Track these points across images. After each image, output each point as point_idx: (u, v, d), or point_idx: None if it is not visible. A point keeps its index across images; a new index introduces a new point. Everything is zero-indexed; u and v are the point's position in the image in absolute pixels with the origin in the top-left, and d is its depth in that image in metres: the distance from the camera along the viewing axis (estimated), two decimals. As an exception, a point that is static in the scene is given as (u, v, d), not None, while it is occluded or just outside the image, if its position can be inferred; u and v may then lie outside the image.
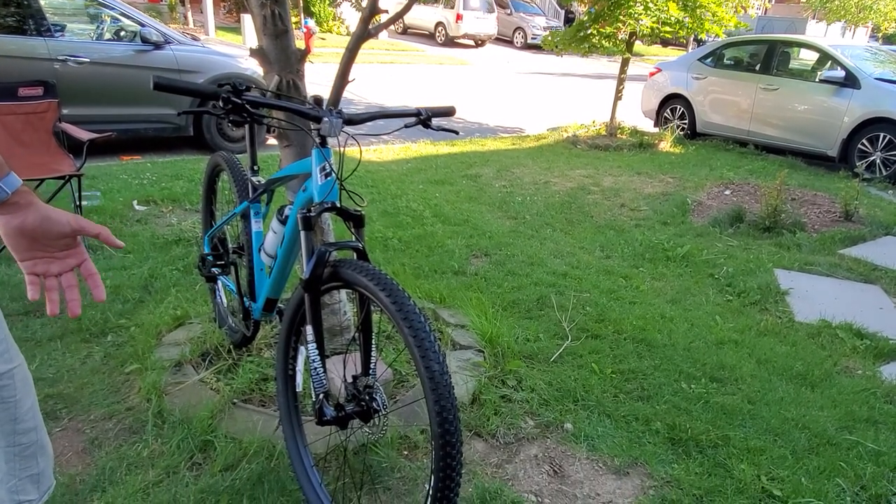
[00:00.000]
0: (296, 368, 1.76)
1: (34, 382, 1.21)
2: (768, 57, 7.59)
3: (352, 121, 1.60)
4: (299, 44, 2.18)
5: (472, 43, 21.04)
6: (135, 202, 4.21)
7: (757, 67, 7.70)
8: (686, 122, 8.37)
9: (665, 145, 7.75)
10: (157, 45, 5.51)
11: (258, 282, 2.07)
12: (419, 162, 6.18)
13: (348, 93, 8.95)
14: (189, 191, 4.53)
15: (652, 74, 8.95)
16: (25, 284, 1.01)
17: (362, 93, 10.34)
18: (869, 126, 6.57)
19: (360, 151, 1.64)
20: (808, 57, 7.82)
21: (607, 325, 2.98)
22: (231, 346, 2.39)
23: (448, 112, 1.83)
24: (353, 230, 1.58)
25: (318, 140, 1.57)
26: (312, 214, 1.55)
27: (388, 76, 13.07)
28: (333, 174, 1.59)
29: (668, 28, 7.32)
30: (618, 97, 7.92)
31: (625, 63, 7.88)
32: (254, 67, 5.90)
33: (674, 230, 4.60)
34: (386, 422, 1.56)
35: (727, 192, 5.69)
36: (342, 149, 1.59)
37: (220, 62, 5.95)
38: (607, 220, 4.77)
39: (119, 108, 5.46)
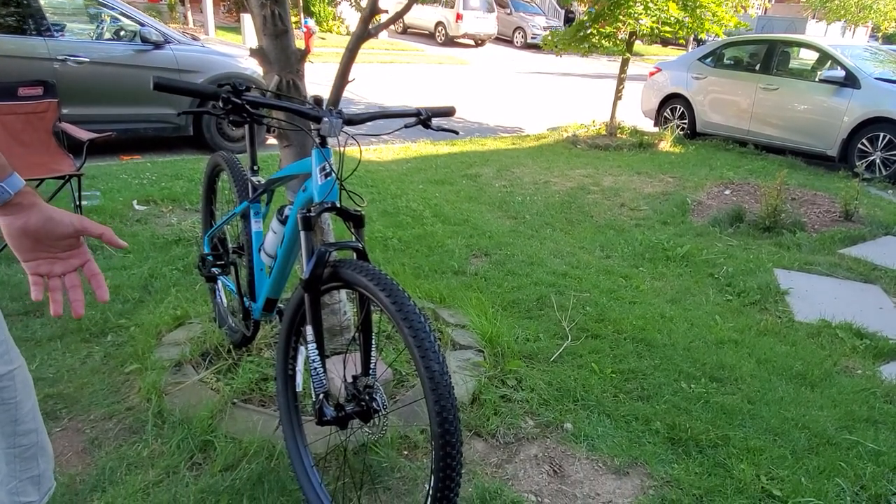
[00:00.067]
0: (296, 368, 1.76)
1: (34, 382, 1.21)
2: (768, 57, 7.59)
3: (352, 121, 1.60)
4: (299, 44, 2.18)
5: (471, 43, 21.04)
6: (135, 202, 4.21)
7: (757, 67, 7.70)
8: (686, 121, 8.37)
9: (665, 145, 7.75)
10: (157, 45, 5.51)
11: (258, 282, 2.07)
12: (419, 162, 6.18)
13: (348, 92, 8.95)
14: (189, 191, 4.53)
15: (652, 74, 8.95)
16: (29, 285, 1.01)
17: (362, 93, 10.34)
18: (869, 126, 6.57)
19: (360, 151, 1.64)
20: (807, 57, 7.82)
21: (607, 324, 2.98)
22: (231, 346, 2.39)
23: (448, 112, 1.83)
24: (352, 230, 1.58)
25: (317, 140, 1.57)
26: (312, 214, 1.55)
27: (388, 76, 13.07)
28: (333, 174, 1.59)
29: (668, 28, 7.32)
30: (618, 97, 7.92)
31: (625, 63, 7.88)
32: (254, 67, 5.90)
33: (674, 230, 4.60)
34: (386, 422, 1.56)
35: (727, 192, 5.69)
36: (342, 149, 1.59)
37: (220, 62, 5.95)
38: (607, 220, 4.77)
39: (119, 108, 5.46)
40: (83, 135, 3.54)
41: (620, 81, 7.89)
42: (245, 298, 2.13)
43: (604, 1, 7.21)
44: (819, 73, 7.27)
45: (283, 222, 1.84)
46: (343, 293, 2.41)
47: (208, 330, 2.51)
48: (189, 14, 16.92)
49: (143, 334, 2.49)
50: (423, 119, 1.73)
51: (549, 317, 3.03)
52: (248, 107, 1.50)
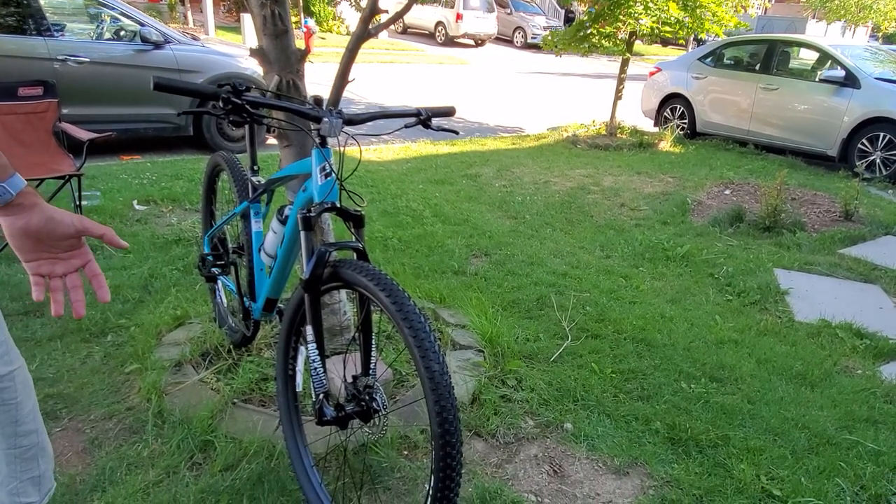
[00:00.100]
0: (296, 368, 1.76)
1: (34, 382, 1.21)
2: (768, 57, 7.59)
3: (352, 121, 1.60)
4: (299, 43, 2.18)
5: (471, 42, 21.04)
6: (135, 202, 4.21)
7: (757, 67, 7.70)
8: (686, 121, 8.37)
9: (665, 145, 7.75)
10: (157, 45, 5.51)
11: (258, 282, 2.07)
12: (419, 162, 6.18)
13: (348, 92, 8.95)
14: (189, 190, 4.53)
15: (652, 74, 8.95)
16: (31, 285, 1.01)
17: (362, 92, 10.34)
18: (869, 126, 6.57)
19: (360, 151, 1.64)
20: (807, 56, 7.82)
21: (607, 324, 2.98)
22: (231, 346, 2.39)
23: (448, 112, 1.83)
24: (352, 230, 1.58)
25: (317, 140, 1.57)
26: (312, 214, 1.55)
27: (388, 76, 13.07)
28: (333, 174, 1.59)
29: (668, 28, 7.32)
30: (618, 97, 7.92)
31: (625, 63, 7.88)
32: (254, 67, 5.90)
33: (674, 230, 4.60)
34: (386, 422, 1.56)
35: (727, 192, 5.69)
36: (342, 149, 1.59)
37: (220, 62, 5.95)
38: (607, 220, 4.77)
39: (119, 108, 5.46)
40: (83, 135, 3.54)
41: (620, 81, 7.89)
42: (245, 298, 2.13)
43: (604, 1, 7.21)
44: (819, 73, 7.27)
45: (283, 222, 1.84)
46: (343, 293, 2.42)
47: (208, 330, 2.51)
48: (189, 14, 16.93)
49: (143, 334, 2.49)
50: (423, 119, 1.73)
51: (549, 317, 3.03)
52: (248, 107, 1.50)
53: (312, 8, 17.87)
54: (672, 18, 7.08)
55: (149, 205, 4.22)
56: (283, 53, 2.08)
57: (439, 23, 20.67)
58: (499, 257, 3.79)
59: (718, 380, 2.57)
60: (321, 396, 1.51)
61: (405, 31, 21.57)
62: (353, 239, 1.57)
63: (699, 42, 15.73)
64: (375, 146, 6.65)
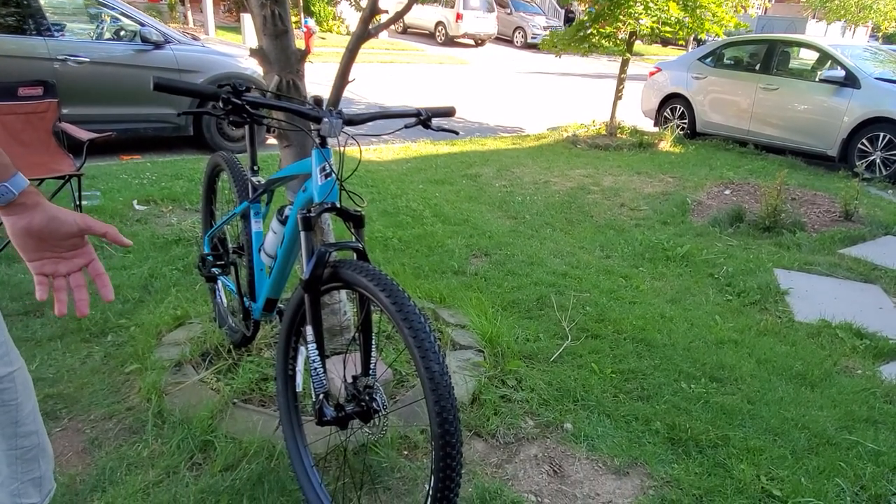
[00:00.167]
0: (296, 368, 1.76)
1: (34, 383, 1.21)
2: (768, 57, 7.59)
3: (352, 121, 1.60)
4: (299, 43, 2.18)
5: (471, 42, 21.04)
6: (135, 202, 4.21)
7: (757, 67, 7.70)
8: (686, 121, 8.37)
9: (665, 145, 7.75)
10: (157, 45, 5.51)
11: (258, 282, 2.07)
12: (419, 162, 6.18)
13: (348, 92, 8.95)
14: (189, 190, 4.53)
15: (652, 74, 8.95)
16: (34, 285, 1.01)
17: (362, 92, 10.34)
18: (869, 126, 6.57)
19: (360, 151, 1.64)
20: (807, 57, 7.83)
21: (607, 324, 2.98)
22: (231, 346, 2.39)
23: (448, 112, 1.83)
24: (352, 230, 1.58)
25: (317, 140, 1.57)
26: (312, 215, 1.55)
27: (388, 76, 13.07)
28: (333, 174, 1.59)
29: (668, 28, 7.32)
30: (618, 97, 7.92)
31: (625, 63, 7.88)
32: (254, 67, 5.90)
33: (674, 230, 4.61)
34: (386, 422, 1.56)
35: (727, 192, 5.69)
36: (342, 149, 1.59)
37: (220, 62, 5.95)
38: (607, 220, 4.77)
39: (119, 108, 5.46)
40: (83, 135, 3.54)
41: (620, 81, 7.89)
42: (245, 298, 2.13)
43: (604, 1, 7.21)
44: (819, 73, 7.27)
45: (283, 222, 1.84)
46: (343, 293, 2.41)
47: (208, 330, 2.51)
48: (189, 14, 16.93)
49: (143, 334, 2.49)
50: (424, 119, 1.73)
51: (549, 317, 3.03)
52: (248, 107, 1.50)
53: (312, 8, 17.87)
54: (672, 18, 7.08)
55: (149, 205, 4.22)
56: (283, 53, 2.08)
57: (439, 23, 20.67)
58: (499, 257, 3.79)
59: (718, 380, 2.57)
60: (321, 396, 1.51)
61: (405, 31, 21.57)
62: (353, 239, 1.57)
63: (699, 42, 15.73)
64: (375, 146, 6.65)
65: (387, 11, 2.35)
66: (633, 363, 2.65)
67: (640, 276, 3.69)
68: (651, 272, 3.78)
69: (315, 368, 1.51)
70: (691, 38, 16.66)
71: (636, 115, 9.22)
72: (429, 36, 21.13)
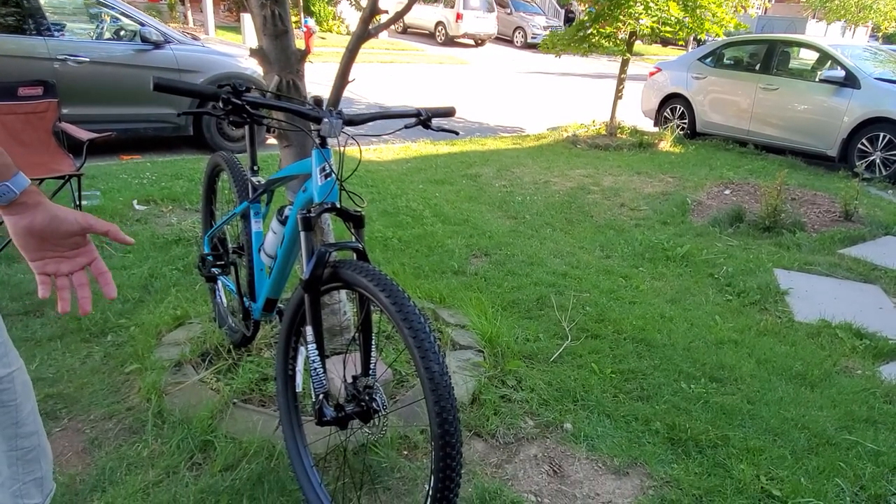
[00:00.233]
0: (296, 368, 1.76)
1: (34, 382, 1.21)
2: (768, 57, 7.59)
3: (352, 121, 1.60)
4: (299, 44, 2.18)
5: (471, 42, 21.04)
6: (135, 202, 4.21)
7: (757, 67, 7.70)
8: (686, 121, 8.37)
9: (665, 145, 7.75)
10: (157, 45, 5.51)
11: (258, 282, 2.07)
12: (419, 162, 6.18)
13: (348, 92, 8.94)
14: (189, 190, 4.53)
15: (652, 74, 8.95)
16: (36, 284, 1.01)
17: (362, 92, 10.34)
18: (869, 126, 6.57)
19: (360, 151, 1.64)
20: (807, 57, 7.83)
21: (607, 325, 2.98)
22: (231, 346, 2.39)
23: (448, 113, 1.84)
24: (352, 231, 1.58)
25: (317, 141, 1.57)
26: (312, 215, 1.55)
27: (388, 76, 13.07)
28: (333, 175, 1.59)
29: (668, 28, 7.32)
30: (618, 97, 7.92)
31: (625, 63, 7.88)
32: (254, 67, 5.90)
33: (674, 230, 4.61)
34: (386, 422, 1.56)
35: (727, 192, 5.69)
36: (342, 149, 1.59)
37: (220, 62, 5.95)
38: (607, 220, 4.77)
39: (119, 108, 5.46)
40: (83, 135, 3.54)
41: (620, 81, 7.89)
42: (245, 298, 2.13)
43: (604, 1, 7.21)
44: (819, 73, 7.27)
45: (283, 223, 1.84)
46: (343, 293, 2.42)
47: (208, 330, 2.51)
48: (189, 14, 16.93)
49: (143, 334, 2.49)
50: (424, 119, 1.73)
51: (549, 317, 3.03)
52: (247, 107, 1.50)
53: (312, 8, 17.86)
54: (672, 18, 7.08)
55: (149, 205, 4.22)
56: (283, 53, 2.08)
57: (439, 23, 20.67)
58: (499, 257, 3.80)
59: (718, 380, 2.57)
60: (321, 397, 1.51)
61: (405, 31, 21.57)
62: (353, 239, 1.57)
63: (699, 42, 15.73)
64: (375, 146, 6.65)
65: (387, 11, 2.35)
66: (633, 363, 2.65)
67: (640, 276, 3.70)
68: (651, 272, 3.78)
69: (315, 368, 1.51)
70: (691, 38, 16.66)
71: (636, 115, 9.22)
72: (429, 36, 21.13)
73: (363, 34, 2.19)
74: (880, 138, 6.49)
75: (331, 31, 18.37)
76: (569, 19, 24.13)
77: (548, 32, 8.96)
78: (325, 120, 1.52)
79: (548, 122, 9.15)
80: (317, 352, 1.52)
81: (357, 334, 1.61)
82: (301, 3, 15.76)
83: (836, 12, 22.90)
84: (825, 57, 7.26)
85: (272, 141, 6.28)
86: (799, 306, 3.40)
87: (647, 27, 7.20)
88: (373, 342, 1.59)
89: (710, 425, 2.23)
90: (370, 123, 1.70)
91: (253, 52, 2.11)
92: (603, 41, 7.59)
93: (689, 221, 4.83)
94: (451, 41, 20.45)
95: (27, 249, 0.99)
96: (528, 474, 1.98)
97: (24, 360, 1.15)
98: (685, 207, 5.12)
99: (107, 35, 5.60)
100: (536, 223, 4.57)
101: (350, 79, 2.20)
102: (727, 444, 2.14)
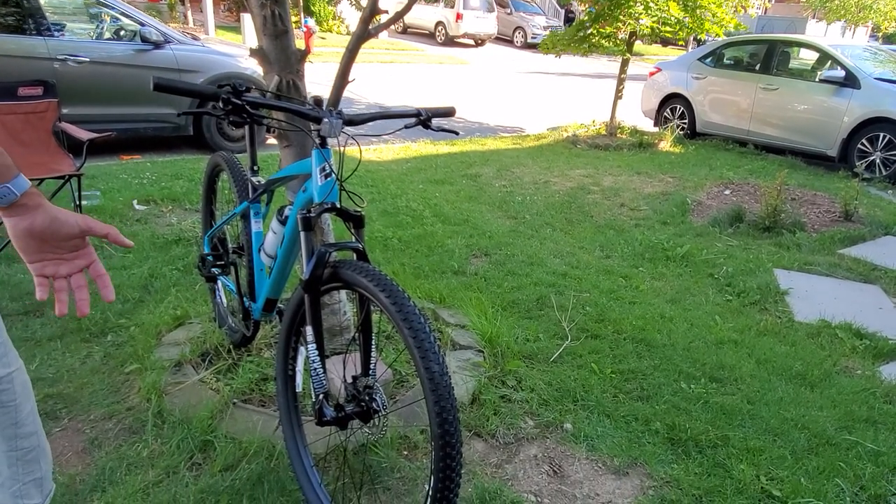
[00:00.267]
0: (296, 369, 1.76)
1: (34, 382, 1.21)
2: (768, 57, 7.59)
3: (352, 121, 1.60)
4: (299, 43, 2.18)
5: (471, 42, 21.04)
6: (135, 202, 4.21)
7: (757, 67, 7.70)
8: (686, 121, 8.37)
9: (665, 145, 7.75)
10: (157, 45, 5.51)
11: (258, 282, 2.07)
12: (419, 161, 6.18)
13: (348, 92, 8.95)
14: (189, 190, 4.53)
15: (652, 74, 8.95)
16: (34, 285, 1.01)
17: (362, 92, 10.34)
18: (869, 126, 6.57)
19: (360, 151, 1.64)
20: (807, 57, 7.83)
21: (607, 325, 2.98)
22: (231, 346, 2.39)
23: (448, 113, 1.84)
24: (352, 231, 1.58)
25: (317, 141, 1.57)
26: (312, 215, 1.55)
27: (388, 76, 13.07)
28: (333, 175, 1.59)
29: (668, 28, 7.32)
30: (618, 97, 7.92)
31: (625, 63, 7.88)
32: (254, 67, 5.90)
33: (673, 230, 4.61)
34: (386, 422, 1.56)
35: (727, 192, 5.69)
36: (342, 149, 1.59)
37: (220, 62, 5.95)
38: (607, 220, 4.77)
39: (119, 108, 5.46)
40: (83, 135, 3.54)
41: (620, 81, 7.89)
42: (245, 298, 2.13)
43: (604, 1, 7.21)
44: (819, 73, 7.27)
45: (282, 223, 1.84)
46: (343, 293, 2.42)
47: (208, 330, 2.51)
48: (189, 14, 16.93)
49: (143, 334, 2.49)
50: (424, 119, 1.73)
51: (549, 317, 3.03)
52: (247, 107, 1.50)
53: (312, 8, 17.86)
54: (672, 18, 7.08)
55: (149, 205, 4.22)
56: (283, 53, 2.08)
57: (439, 23, 20.67)
58: (499, 257, 3.79)
59: (718, 380, 2.57)
60: (321, 397, 1.51)
61: (405, 31, 21.57)
62: (353, 239, 1.57)
63: (699, 42, 15.73)
64: (375, 146, 6.65)
65: (387, 11, 2.35)
66: (633, 363, 2.65)
67: (640, 276, 3.70)
68: (651, 272, 3.78)
69: (315, 368, 1.51)
70: (691, 39, 16.66)
71: (636, 115, 9.22)
72: (429, 36, 21.13)
73: (363, 34, 2.19)
74: (880, 138, 6.50)
75: (331, 31, 18.37)
76: (569, 19, 24.13)
77: (548, 32, 8.96)
78: (325, 120, 1.52)
79: (548, 122, 9.15)
80: (317, 352, 1.52)
81: (357, 334, 1.61)
82: (301, 3, 15.76)
83: (836, 12, 22.90)
84: (825, 57, 7.26)
85: (272, 141, 6.28)
86: (799, 306, 3.40)
87: (647, 27, 7.20)
88: (373, 342, 1.59)
89: (710, 425, 2.23)
90: (370, 123, 1.70)
91: (253, 52, 2.11)
92: (603, 41, 7.59)
93: (689, 221, 4.83)
94: (451, 41, 20.45)
95: (26, 251, 0.99)
96: (528, 474, 1.98)
97: (23, 360, 1.15)
98: (685, 207, 5.12)
99: (107, 35, 5.60)
100: (536, 223, 4.57)
101: (350, 79, 2.20)
102: (727, 444, 2.14)
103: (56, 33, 5.21)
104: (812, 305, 3.42)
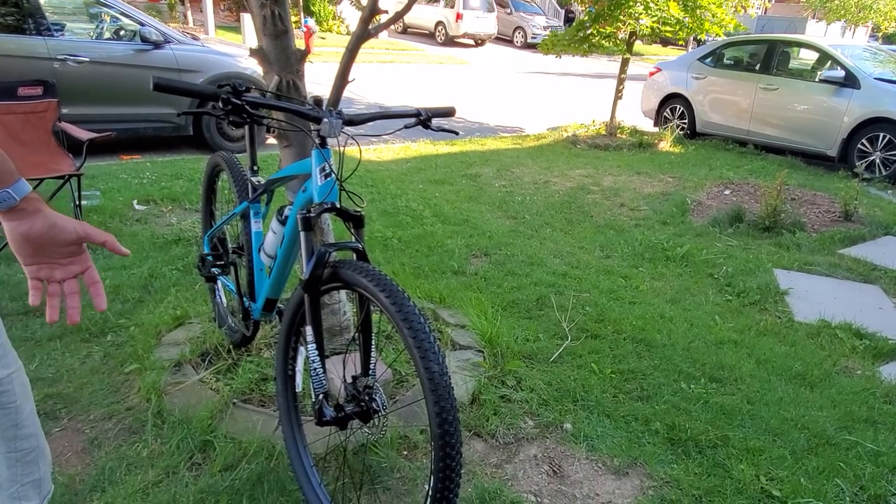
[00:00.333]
0: (295, 369, 1.76)
1: (33, 382, 1.21)
2: (768, 57, 7.59)
3: (352, 121, 1.60)
4: (299, 43, 2.18)
5: (471, 42, 21.03)
6: (134, 202, 4.21)
7: (757, 67, 7.70)
8: (686, 121, 8.37)
9: (665, 145, 7.75)
10: (157, 45, 5.51)
11: (258, 282, 2.07)
12: (419, 161, 6.18)
13: (348, 92, 8.94)
14: (189, 190, 4.53)
15: (652, 74, 8.95)
16: (28, 289, 1.01)
17: (362, 92, 10.33)
18: (868, 126, 6.58)
19: (360, 151, 1.64)
20: (807, 57, 7.83)
21: (607, 325, 2.98)
22: (231, 346, 2.39)
23: (448, 113, 1.84)
24: (352, 231, 1.58)
25: (317, 141, 1.57)
26: (312, 215, 1.55)
27: (388, 76, 13.07)
28: (333, 175, 1.59)
29: (668, 28, 7.32)
30: (618, 97, 7.92)
31: (625, 63, 7.88)
32: (254, 67, 5.90)
33: (673, 230, 4.61)
34: (385, 422, 1.56)
35: (727, 192, 5.69)
36: (342, 149, 1.59)
37: (220, 62, 5.95)
38: (607, 220, 4.77)
39: (119, 108, 5.46)
40: (83, 134, 3.54)
41: (620, 81, 7.89)
42: (245, 298, 2.13)
43: (604, 1, 7.21)
44: (819, 73, 7.27)
45: (282, 223, 1.84)
46: (343, 293, 2.41)
47: (208, 330, 2.51)
48: (189, 13, 16.92)
49: (143, 334, 2.49)
50: (423, 119, 1.73)
51: (548, 317, 3.03)
52: (247, 107, 1.50)
53: (312, 8, 17.86)
54: (672, 18, 7.08)
55: (149, 204, 4.22)
56: (283, 53, 2.08)
57: (439, 23, 20.67)
58: (499, 257, 3.79)
59: (718, 380, 2.57)
60: (321, 397, 1.51)
61: (405, 31, 21.57)
62: (353, 239, 1.57)
63: (699, 42, 15.73)
64: (375, 146, 6.65)
65: (387, 11, 2.35)
66: (633, 363, 2.65)
67: (640, 276, 3.70)
68: (651, 272, 3.78)
69: (315, 369, 1.51)
70: (691, 39, 16.66)
71: (636, 115, 9.22)
72: (429, 36, 21.12)
73: (363, 34, 2.19)
74: (880, 138, 6.50)
75: (331, 31, 18.37)
76: (569, 19, 24.13)
77: (548, 32, 8.97)
78: (325, 120, 1.52)
79: (548, 122, 9.15)
80: (316, 352, 1.52)
81: (357, 334, 1.61)
82: (301, 3, 15.76)
83: (836, 12, 22.90)
84: (825, 57, 7.26)
85: (272, 141, 6.28)
86: (799, 306, 3.40)
87: (647, 27, 7.20)
88: (373, 342, 1.59)
89: (710, 425, 2.23)
90: (370, 123, 1.70)
91: (253, 52, 2.11)
92: (603, 41, 7.58)
93: (689, 221, 4.83)
94: (451, 41, 20.45)
95: (23, 255, 0.99)
96: (527, 474, 1.98)
97: (23, 360, 1.15)
98: (685, 207, 5.12)
99: (107, 35, 5.60)
100: (536, 223, 4.57)
101: (350, 79, 2.20)
102: (727, 445, 2.14)
103: (56, 33, 5.21)
104: (812, 305, 3.42)
